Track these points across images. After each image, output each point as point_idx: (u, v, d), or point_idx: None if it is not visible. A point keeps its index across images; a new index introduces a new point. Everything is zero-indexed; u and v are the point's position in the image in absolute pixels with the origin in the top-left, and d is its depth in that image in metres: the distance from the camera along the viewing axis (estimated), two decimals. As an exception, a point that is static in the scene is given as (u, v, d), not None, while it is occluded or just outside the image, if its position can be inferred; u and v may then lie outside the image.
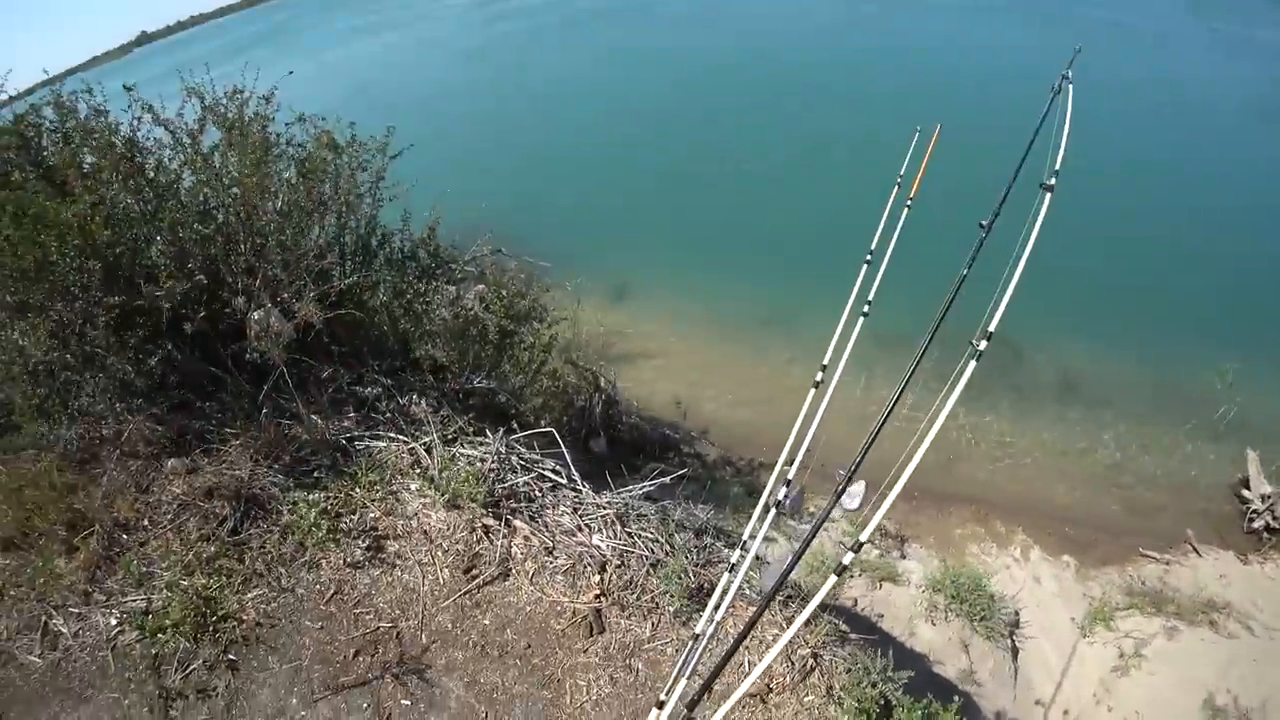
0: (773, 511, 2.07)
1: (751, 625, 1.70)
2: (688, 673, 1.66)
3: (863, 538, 1.75)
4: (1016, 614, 6.18)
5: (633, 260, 12.07)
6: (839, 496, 1.91)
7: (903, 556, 6.65)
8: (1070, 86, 2.60)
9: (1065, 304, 10.21)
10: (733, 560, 1.98)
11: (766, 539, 2.49)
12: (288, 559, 3.59)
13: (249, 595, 3.38)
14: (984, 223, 2.13)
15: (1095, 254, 11.45)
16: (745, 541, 2.05)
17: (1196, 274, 11.17)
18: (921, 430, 1.69)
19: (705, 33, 26.62)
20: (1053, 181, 2.10)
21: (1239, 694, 5.32)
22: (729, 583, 1.95)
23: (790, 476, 2.15)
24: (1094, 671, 5.78)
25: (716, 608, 1.89)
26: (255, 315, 4.08)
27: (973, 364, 1.85)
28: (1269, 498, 7.94)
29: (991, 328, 1.89)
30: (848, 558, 1.71)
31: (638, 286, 11.48)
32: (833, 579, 1.68)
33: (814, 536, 1.80)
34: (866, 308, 2.53)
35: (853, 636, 4.00)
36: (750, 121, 17.11)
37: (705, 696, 1.65)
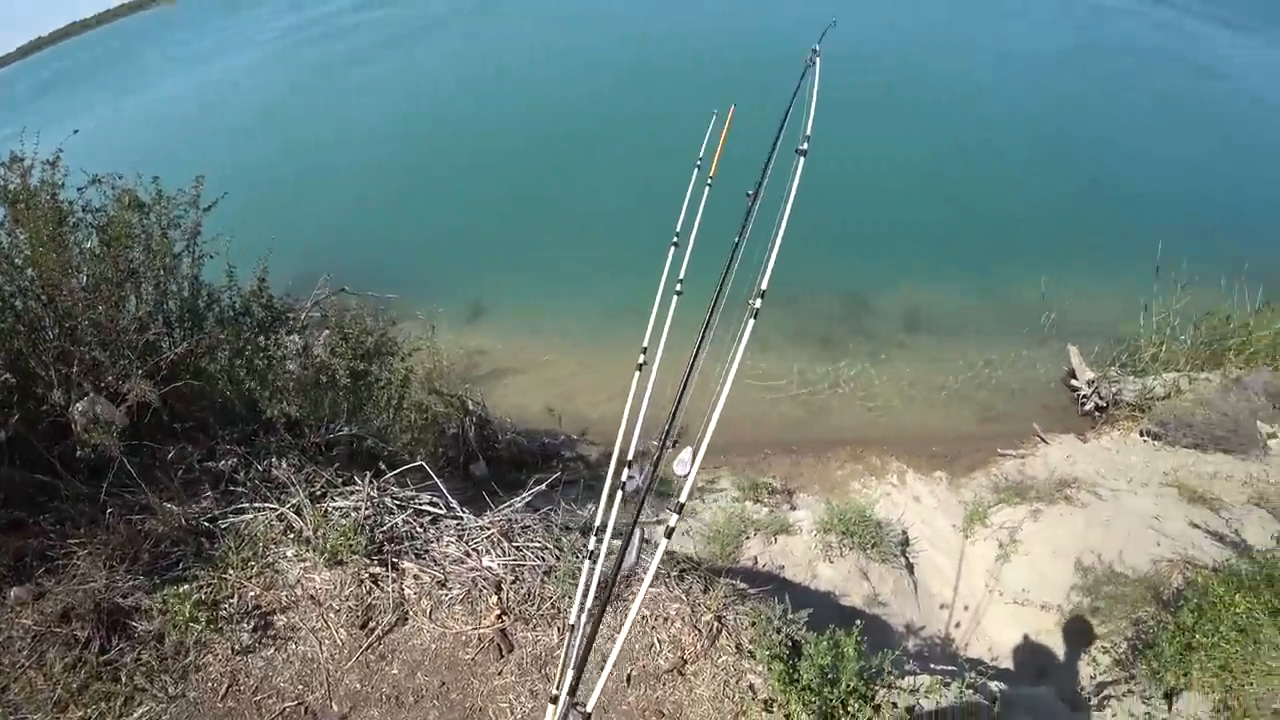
0: (618, 495, 2.16)
1: (605, 607, 1.77)
2: (572, 664, 1.72)
3: (682, 499, 1.85)
4: (904, 533, 6.62)
5: (483, 279, 11.92)
6: (655, 467, 1.99)
7: (792, 508, 6.99)
8: (819, 60, 2.76)
9: (895, 251, 11.15)
10: (590, 548, 2.06)
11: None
12: (169, 664, 3.35)
13: (135, 715, 3.15)
14: (750, 193, 2.30)
15: (917, 199, 12.55)
16: (597, 529, 2.13)
17: (1003, 202, 12.47)
18: (717, 389, 1.81)
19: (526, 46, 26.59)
20: (805, 146, 2.25)
21: (1099, 550, 5.96)
22: (590, 571, 2.02)
23: (630, 458, 2.24)
24: (981, 565, 6.29)
25: (585, 596, 1.96)
26: (78, 407, 3.78)
27: (751, 322, 1.93)
28: (1093, 382, 8.96)
29: (764, 286, 2.01)
30: (673, 520, 1.80)
31: (493, 305, 11.37)
32: (664, 543, 1.79)
33: (641, 510, 1.90)
34: (679, 287, 2.64)
35: (752, 592, 4.18)
36: (568, 128, 17.26)
37: (592, 682, 1.71)
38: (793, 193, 2.02)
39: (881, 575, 6.10)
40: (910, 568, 6.37)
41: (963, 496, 7.20)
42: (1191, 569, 5.58)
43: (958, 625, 6.07)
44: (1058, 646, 5.56)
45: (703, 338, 2.08)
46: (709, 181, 3.06)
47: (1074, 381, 9.29)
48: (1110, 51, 19.47)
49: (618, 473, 2.16)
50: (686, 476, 1.87)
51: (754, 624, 3.75)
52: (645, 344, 2.49)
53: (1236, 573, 4.67)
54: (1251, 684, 3.98)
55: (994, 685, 4.38)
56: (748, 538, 6.13)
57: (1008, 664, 5.64)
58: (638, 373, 2.46)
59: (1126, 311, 9.92)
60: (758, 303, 1.97)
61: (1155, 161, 14.65)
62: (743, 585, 4.18)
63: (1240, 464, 7.24)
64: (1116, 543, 6.15)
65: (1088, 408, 9.01)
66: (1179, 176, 14.34)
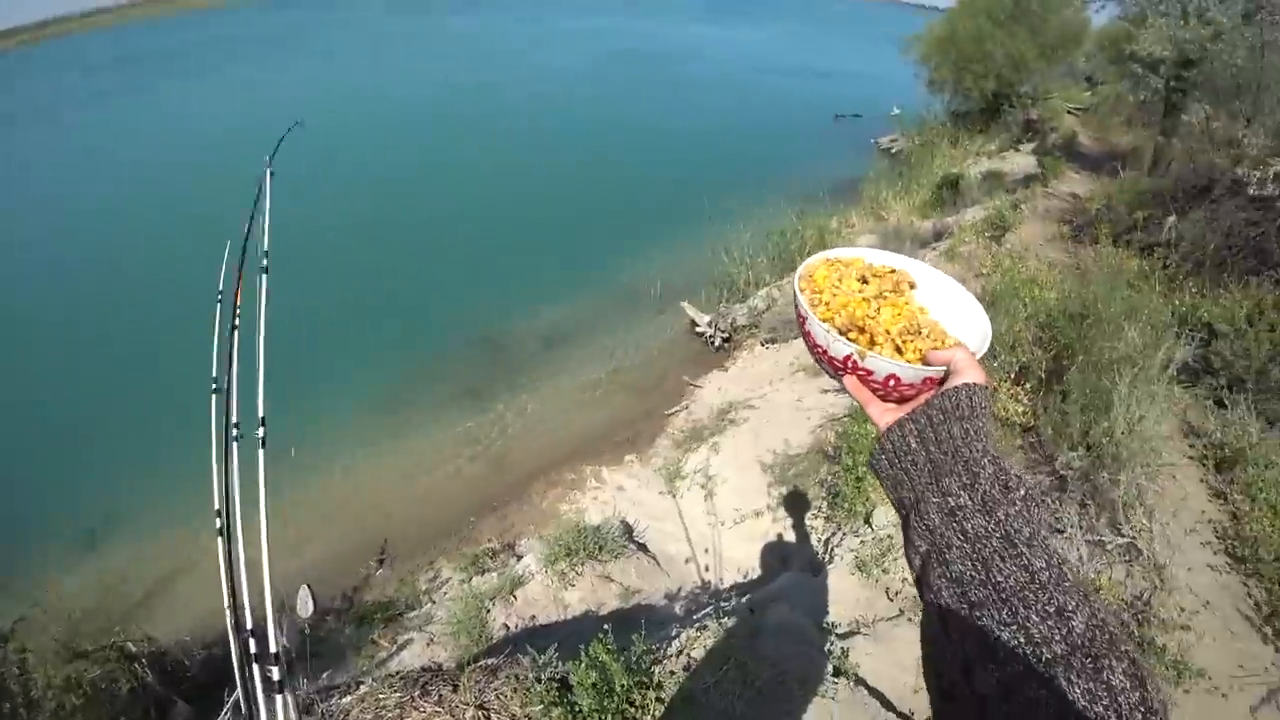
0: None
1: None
2: None
3: (273, 649, 1.70)
4: (624, 523, 6.87)
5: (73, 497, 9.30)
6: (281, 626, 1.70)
7: (518, 558, 6.85)
8: (270, 175, 2.63)
9: (508, 279, 11.69)
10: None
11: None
12: None
13: None
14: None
15: (517, 224, 13.45)
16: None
17: (581, 204, 14.12)
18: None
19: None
20: (266, 263, 2.14)
21: (772, 447, 6.74)
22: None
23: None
24: (697, 511, 6.72)
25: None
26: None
27: (261, 453, 1.79)
28: (710, 322, 10.27)
29: (261, 414, 1.86)
30: (275, 673, 1.61)
31: (104, 520, 8.99)
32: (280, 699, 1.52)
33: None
34: (237, 431, 2.30)
35: (503, 661, 3.94)
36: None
37: None
38: (262, 315, 1.90)
39: (623, 569, 6.26)
40: (644, 548, 6.65)
41: (655, 465, 7.68)
42: (836, 422, 6.69)
43: (707, 569, 6.46)
44: (782, 535, 6.22)
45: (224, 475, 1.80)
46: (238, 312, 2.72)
47: (698, 329, 10.55)
48: (622, 60, 22.75)
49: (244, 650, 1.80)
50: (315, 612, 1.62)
51: (515, 690, 3.54)
52: (218, 506, 2.09)
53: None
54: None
55: (744, 600, 4.75)
56: (489, 610, 5.86)
57: (756, 573, 6.16)
58: (220, 538, 2.06)
59: (713, 256, 11.75)
60: (260, 432, 1.80)
61: (679, 134, 17.67)
62: (493, 661, 3.93)
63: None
64: (780, 433, 7.01)
65: (716, 344, 10.28)
66: (697, 142, 17.47)
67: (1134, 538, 3.82)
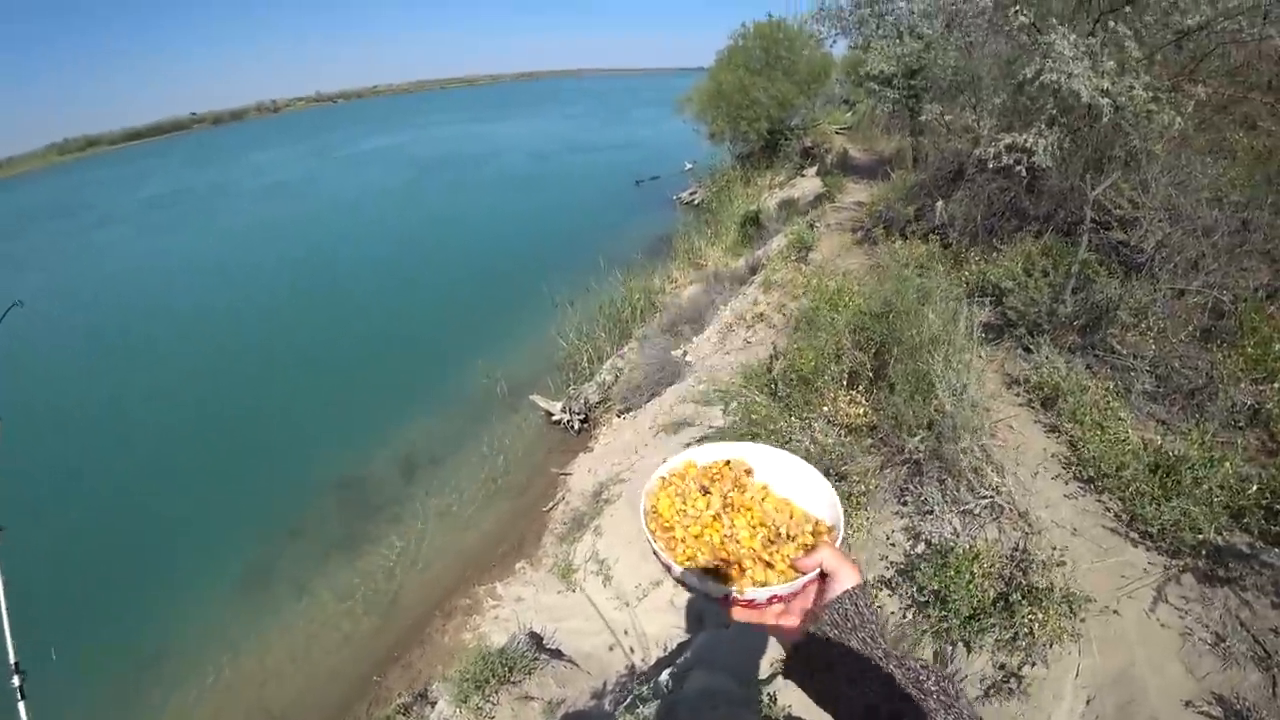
0: None
1: None
2: None
3: None
4: (531, 634, 6.45)
5: None
6: None
7: (432, 705, 6.23)
8: None
9: (356, 417, 11.05)
10: None
11: None
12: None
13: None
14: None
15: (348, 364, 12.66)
16: None
17: (404, 326, 13.49)
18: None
19: None
20: None
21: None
22: None
23: None
24: (601, 598, 6.43)
25: None
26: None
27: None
28: (563, 408, 10.14)
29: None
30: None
31: None
32: None
33: None
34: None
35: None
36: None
37: None
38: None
39: (540, 683, 5.82)
40: (558, 653, 6.25)
41: (546, 566, 7.34)
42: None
43: (632, 650, 6.16)
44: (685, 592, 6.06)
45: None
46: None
47: (554, 418, 10.37)
48: (425, 169, 22.62)
49: None
50: None
51: None
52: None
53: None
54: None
55: (661, 678, 4.51)
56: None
57: (681, 637, 5.93)
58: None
59: (550, 342, 11.73)
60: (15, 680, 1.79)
61: (492, 232, 17.86)
62: None
63: (680, 386, 9.01)
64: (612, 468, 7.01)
65: (575, 427, 10.13)
66: (511, 235, 17.69)
67: (993, 495, 3.98)
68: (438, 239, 19.17)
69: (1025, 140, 5.90)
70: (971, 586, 3.52)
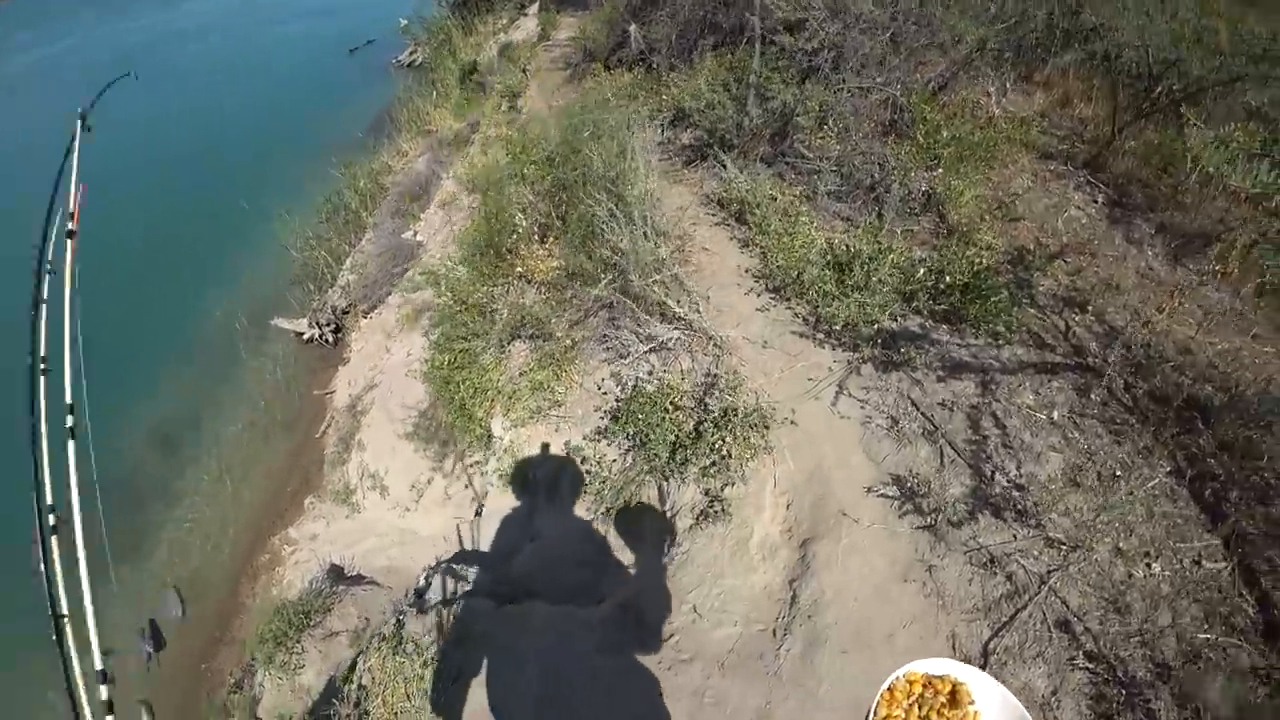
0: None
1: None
2: None
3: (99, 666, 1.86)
4: (332, 568, 6.10)
5: None
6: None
7: (253, 676, 5.86)
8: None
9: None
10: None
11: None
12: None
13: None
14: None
15: None
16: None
17: None
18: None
19: None
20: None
21: (402, 413, 6.28)
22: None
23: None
24: (383, 511, 6.19)
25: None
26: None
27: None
28: (309, 323, 9.00)
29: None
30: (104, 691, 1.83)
31: None
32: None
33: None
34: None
35: None
36: None
37: None
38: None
39: (343, 614, 5.29)
40: (359, 578, 5.97)
41: (330, 494, 6.91)
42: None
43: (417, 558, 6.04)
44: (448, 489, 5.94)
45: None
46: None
47: (304, 336, 9.23)
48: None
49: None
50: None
51: None
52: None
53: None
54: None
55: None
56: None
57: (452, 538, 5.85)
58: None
59: (280, 256, 10.23)
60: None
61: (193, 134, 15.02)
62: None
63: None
64: (400, 396, 6.53)
65: (329, 339, 9.11)
66: (216, 136, 15.04)
67: (681, 327, 3.91)
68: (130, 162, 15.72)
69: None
70: (666, 423, 3.47)
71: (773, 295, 4.32)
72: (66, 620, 2.00)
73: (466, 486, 5.72)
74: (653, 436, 3.47)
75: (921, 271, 4.09)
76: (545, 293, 4.53)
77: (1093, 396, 3.37)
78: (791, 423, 3.51)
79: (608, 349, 4.16)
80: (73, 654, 1.94)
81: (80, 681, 1.97)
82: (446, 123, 12.15)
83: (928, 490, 3.10)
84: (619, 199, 4.10)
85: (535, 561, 4.09)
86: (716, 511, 3.36)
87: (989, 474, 3.11)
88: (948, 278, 3.98)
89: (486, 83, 11.68)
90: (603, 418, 4.03)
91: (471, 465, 5.49)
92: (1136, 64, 5.39)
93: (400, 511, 6.29)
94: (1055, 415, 3.29)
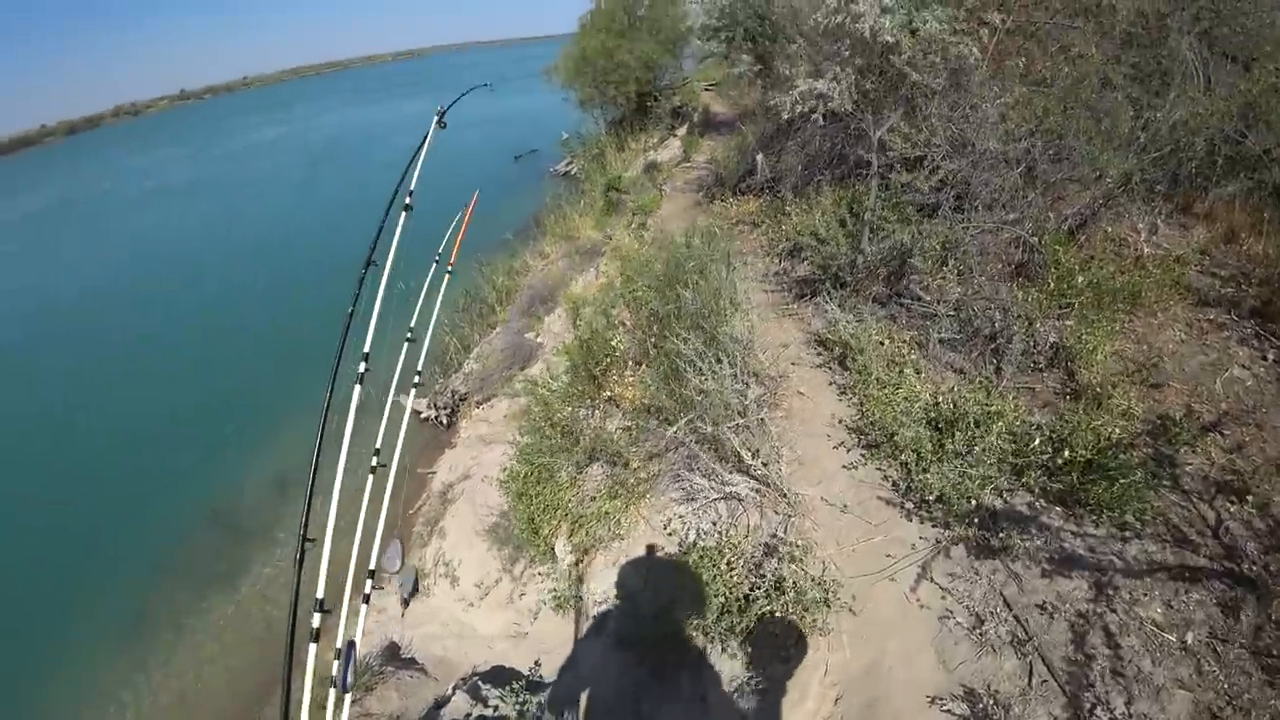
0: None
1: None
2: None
3: (319, 595, 2.00)
4: (390, 644, 6.12)
5: None
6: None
7: None
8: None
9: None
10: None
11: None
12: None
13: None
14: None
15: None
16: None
17: None
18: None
19: None
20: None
21: (487, 510, 6.29)
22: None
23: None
24: (448, 600, 6.15)
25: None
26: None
27: (357, 388, 2.20)
28: (429, 404, 9.46)
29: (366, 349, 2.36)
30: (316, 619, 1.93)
31: None
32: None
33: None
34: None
35: None
36: None
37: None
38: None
39: (382, 697, 5.28)
40: (412, 661, 5.94)
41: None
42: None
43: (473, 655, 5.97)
44: (522, 593, 5.82)
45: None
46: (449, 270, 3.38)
47: (422, 415, 9.73)
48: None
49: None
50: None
51: None
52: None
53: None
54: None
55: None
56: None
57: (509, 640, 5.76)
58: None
59: (418, 339, 10.88)
60: (362, 366, 2.33)
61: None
62: None
63: (532, 371, 8.52)
64: (488, 496, 6.63)
65: (445, 423, 9.54)
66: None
67: (754, 478, 3.66)
68: (312, 240, 17.83)
69: (819, 85, 5.57)
70: (717, 582, 3.21)
71: (864, 452, 3.98)
72: (310, 545, 2.09)
73: (522, 595, 5.64)
74: (702, 594, 3.21)
75: (1037, 440, 3.58)
76: (630, 419, 4.45)
77: (1243, 618, 2.76)
78: (850, 610, 3.12)
79: (680, 488, 3.97)
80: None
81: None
82: (588, 232, 12.77)
83: (1005, 716, 2.60)
84: (710, 337, 4.01)
85: (565, 690, 3.87)
86: (755, 688, 3.01)
87: (1088, 707, 2.56)
88: (1068, 451, 3.46)
89: (625, 199, 12.24)
90: (665, 559, 3.81)
91: (537, 575, 5.42)
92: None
93: (465, 605, 6.27)
94: (1190, 638, 2.71)
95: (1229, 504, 3.24)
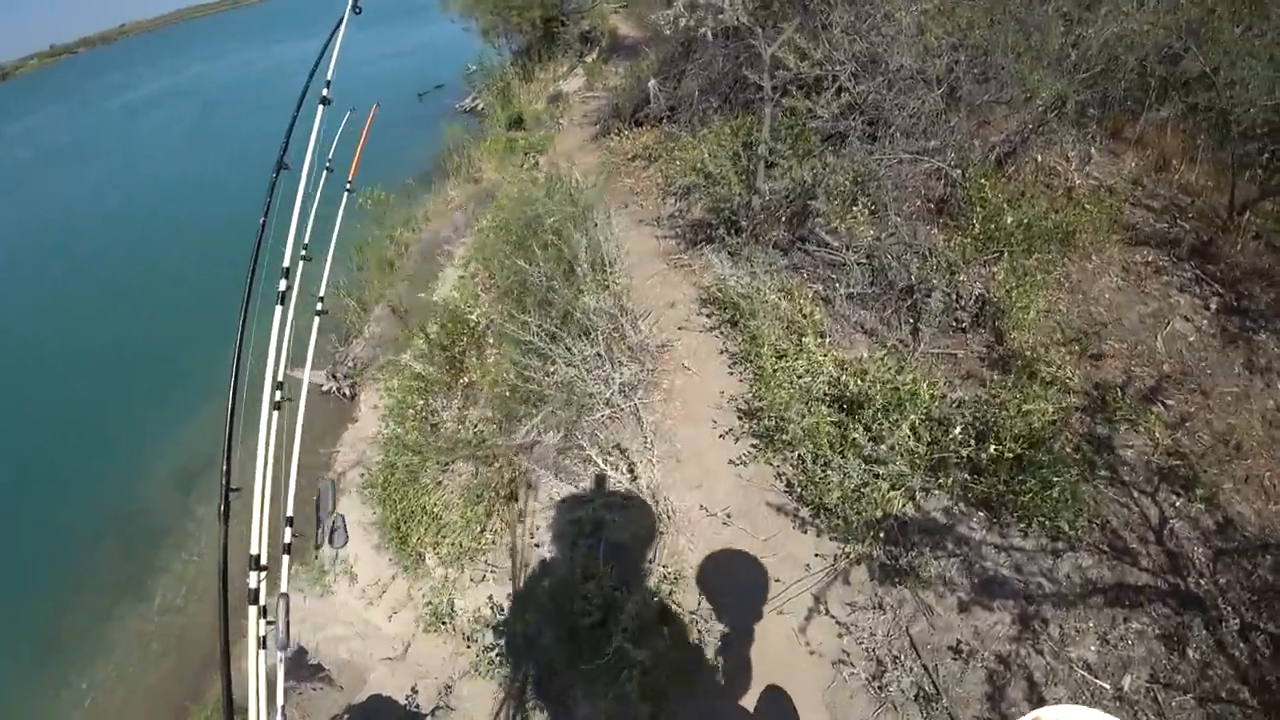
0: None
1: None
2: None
3: (253, 551, 1.78)
4: (300, 649, 5.50)
5: None
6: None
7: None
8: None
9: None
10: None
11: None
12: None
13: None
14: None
15: None
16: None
17: None
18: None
19: None
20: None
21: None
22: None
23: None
24: (350, 598, 5.64)
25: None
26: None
27: (278, 309, 1.98)
28: (329, 374, 8.57)
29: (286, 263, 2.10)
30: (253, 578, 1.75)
31: None
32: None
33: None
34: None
35: None
36: None
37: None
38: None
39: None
40: (318, 668, 5.45)
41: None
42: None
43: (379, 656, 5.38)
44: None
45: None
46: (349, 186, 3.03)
47: (324, 389, 8.86)
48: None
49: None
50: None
51: None
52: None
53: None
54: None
55: None
56: None
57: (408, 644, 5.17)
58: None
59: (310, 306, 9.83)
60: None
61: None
62: None
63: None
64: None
65: (346, 393, 8.71)
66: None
67: (633, 473, 2.99)
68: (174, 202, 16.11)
69: (705, -7, 4.72)
70: (570, 610, 2.58)
71: (754, 443, 3.32)
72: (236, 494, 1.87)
73: (424, 595, 5.10)
74: (571, 625, 2.58)
75: (958, 429, 2.96)
76: (493, 408, 3.74)
77: (1189, 653, 2.25)
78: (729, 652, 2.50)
79: (547, 492, 3.29)
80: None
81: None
82: (490, 175, 11.72)
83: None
84: (564, 315, 3.27)
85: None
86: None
87: (1010, 785, 2.04)
88: (994, 445, 2.84)
89: (530, 133, 11.19)
90: (525, 579, 3.17)
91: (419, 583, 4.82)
92: (1255, 120, 4.15)
93: (365, 603, 5.69)
94: (1126, 684, 2.19)
95: (1174, 496, 2.73)
